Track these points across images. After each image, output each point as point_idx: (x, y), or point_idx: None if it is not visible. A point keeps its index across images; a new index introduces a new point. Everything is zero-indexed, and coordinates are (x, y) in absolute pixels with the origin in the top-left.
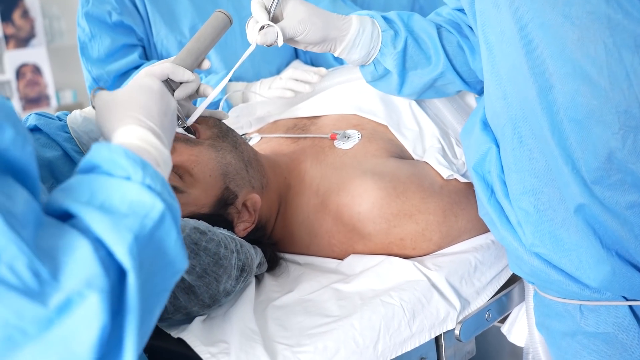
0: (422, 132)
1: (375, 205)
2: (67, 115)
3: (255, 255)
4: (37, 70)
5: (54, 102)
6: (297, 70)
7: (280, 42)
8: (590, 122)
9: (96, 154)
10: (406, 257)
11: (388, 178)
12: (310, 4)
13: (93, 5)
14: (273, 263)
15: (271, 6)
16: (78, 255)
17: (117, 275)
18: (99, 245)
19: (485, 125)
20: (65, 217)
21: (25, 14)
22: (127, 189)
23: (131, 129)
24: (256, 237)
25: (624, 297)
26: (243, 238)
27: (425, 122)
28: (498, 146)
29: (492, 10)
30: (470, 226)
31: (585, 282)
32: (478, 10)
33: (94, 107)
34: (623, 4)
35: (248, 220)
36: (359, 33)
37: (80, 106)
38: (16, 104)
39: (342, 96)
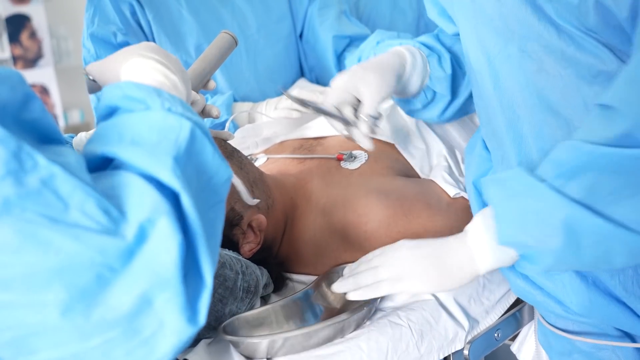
0: (429, 150)
1: (382, 224)
2: (73, 137)
3: (261, 276)
4: (44, 90)
5: (61, 122)
6: (303, 90)
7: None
8: None
9: (109, 96)
10: None
11: (394, 196)
12: (374, 68)
13: (98, 27)
14: (279, 283)
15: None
16: (133, 189)
17: (171, 198)
18: (147, 177)
19: (484, 143)
20: (104, 164)
21: (33, 34)
22: (151, 118)
23: (134, 61)
24: (262, 257)
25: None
26: (249, 259)
27: (432, 140)
28: None
29: (467, 42)
30: None
31: (569, 306)
32: (461, 38)
33: (91, 80)
34: (575, 38)
35: (254, 241)
36: (413, 64)
37: (87, 126)
38: None
39: None
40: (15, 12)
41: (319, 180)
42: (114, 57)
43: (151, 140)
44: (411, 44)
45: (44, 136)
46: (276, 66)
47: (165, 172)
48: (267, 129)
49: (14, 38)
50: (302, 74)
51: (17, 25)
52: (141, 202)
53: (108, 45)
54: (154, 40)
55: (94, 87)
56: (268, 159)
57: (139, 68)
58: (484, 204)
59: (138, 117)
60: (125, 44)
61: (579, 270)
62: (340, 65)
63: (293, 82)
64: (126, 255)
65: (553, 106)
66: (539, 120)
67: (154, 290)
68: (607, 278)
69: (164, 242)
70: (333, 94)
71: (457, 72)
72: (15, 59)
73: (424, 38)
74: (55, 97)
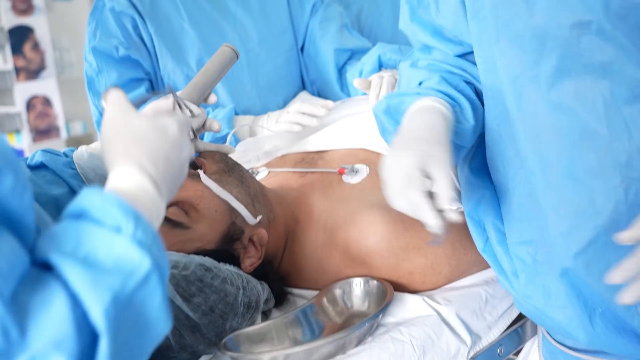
0: None
1: (384, 239)
2: (73, 151)
3: (262, 291)
4: (47, 101)
5: (63, 134)
6: (304, 103)
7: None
8: (588, 177)
9: (87, 199)
10: (415, 291)
11: (396, 211)
12: (434, 141)
13: (100, 40)
14: (280, 298)
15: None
16: (52, 312)
17: (90, 336)
18: (77, 302)
19: (477, 170)
20: (46, 266)
21: (36, 46)
22: (115, 242)
23: (130, 171)
24: (263, 272)
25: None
26: (250, 273)
27: None
28: (491, 191)
29: (488, 60)
30: (480, 259)
31: (576, 337)
32: (477, 57)
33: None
34: (622, 43)
35: (255, 255)
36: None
37: (89, 137)
38: (26, 135)
39: (350, 130)
40: (18, 24)
41: (321, 194)
42: (120, 143)
43: (104, 266)
44: (433, 94)
45: (3, 217)
46: (277, 79)
47: (96, 309)
48: (269, 143)
49: (16, 49)
50: (303, 86)
51: (20, 36)
52: (48, 331)
53: (110, 59)
54: (155, 54)
55: None
56: (269, 172)
57: (131, 183)
58: (485, 235)
59: (103, 235)
60: (127, 57)
61: (586, 302)
62: (341, 79)
63: (294, 94)
64: None
65: (589, 127)
66: (568, 144)
67: None
68: (622, 308)
69: None
70: (396, 185)
71: (477, 119)
72: (17, 70)
73: (434, 81)
74: (58, 108)
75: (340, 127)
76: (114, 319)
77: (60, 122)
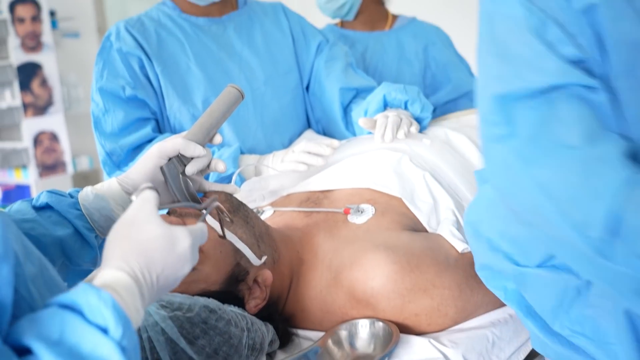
0: (436, 204)
1: (389, 280)
2: (78, 192)
3: (267, 332)
4: (54, 137)
5: (70, 169)
6: (310, 142)
7: None
8: None
9: (83, 296)
10: (421, 333)
11: (402, 252)
12: None
13: (107, 80)
14: (285, 339)
15: None
16: None
17: None
18: None
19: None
20: (25, 350)
21: (44, 82)
22: (101, 343)
23: (125, 279)
24: (268, 313)
25: None
26: (254, 315)
27: (439, 194)
28: None
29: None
30: (487, 300)
31: None
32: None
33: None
34: None
35: (259, 296)
36: None
37: (96, 172)
38: (33, 171)
39: (355, 169)
40: (27, 61)
41: (326, 234)
42: (126, 240)
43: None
44: None
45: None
46: (283, 118)
47: None
48: (274, 182)
49: (25, 86)
50: (308, 125)
51: (29, 73)
52: None
53: (117, 99)
54: (161, 94)
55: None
56: (274, 211)
57: (121, 285)
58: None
59: (90, 333)
60: (134, 97)
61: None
62: (346, 117)
63: (300, 133)
64: None
65: None
66: None
67: None
68: None
69: None
70: None
71: None
72: (25, 106)
73: None
74: (65, 143)
75: (345, 166)
76: None
77: (67, 158)
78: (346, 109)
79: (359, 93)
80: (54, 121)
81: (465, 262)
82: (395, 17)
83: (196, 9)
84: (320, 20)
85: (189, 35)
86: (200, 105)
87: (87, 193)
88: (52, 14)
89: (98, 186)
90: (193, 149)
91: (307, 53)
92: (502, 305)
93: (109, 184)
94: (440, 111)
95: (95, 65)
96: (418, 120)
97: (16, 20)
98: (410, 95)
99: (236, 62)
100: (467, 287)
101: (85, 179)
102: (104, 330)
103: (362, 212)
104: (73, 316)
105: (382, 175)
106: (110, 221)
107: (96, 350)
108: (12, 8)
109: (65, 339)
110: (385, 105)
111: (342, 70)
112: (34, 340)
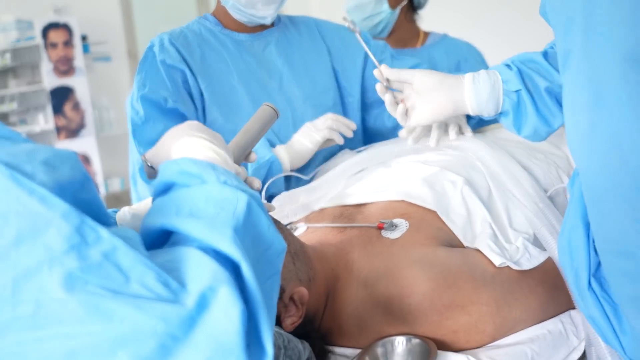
0: (471, 216)
1: (426, 297)
2: (116, 212)
3: (304, 350)
4: (86, 159)
5: (102, 190)
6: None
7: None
8: None
9: (166, 172)
10: (459, 350)
11: (438, 268)
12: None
13: (149, 90)
14: (322, 357)
15: None
16: (192, 261)
17: (231, 269)
18: (205, 248)
19: None
20: (163, 237)
21: (76, 106)
22: (208, 191)
23: (184, 141)
24: (304, 330)
25: None
26: (291, 332)
27: (475, 206)
28: None
29: None
30: (525, 316)
31: None
32: None
33: (149, 166)
34: None
35: (295, 314)
36: (474, 78)
37: (127, 194)
38: None
39: (388, 182)
40: (59, 84)
41: (360, 250)
42: (163, 140)
43: (209, 212)
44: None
45: (96, 217)
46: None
47: (225, 243)
48: (304, 196)
49: (57, 109)
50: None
51: (61, 97)
52: (201, 272)
53: (158, 110)
54: (203, 111)
55: (152, 173)
56: (308, 227)
57: (190, 146)
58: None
59: (195, 191)
60: (175, 110)
61: None
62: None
63: (337, 152)
64: (188, 323)
65: None
66: None
67: (217, 359)
68: None
69: (226, 311)
70: None
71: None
72: (58, 129)
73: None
74: (97, 165)
75: (378, 178)
76: (242, 247)
77: (99, 179)
78: None
79: None
80: (86, 144)
81: (503, 278)
82: (426, 34)
83: (238, 25)
84: None
85: (232, 52)
86: (243, 124)
87: (124, 213)
88: (84, 38)
89: (135, 206)
90: (230, 168)
91: (353, 68)
92: (541, 321)
93: (145, 204)
94: (472, 126)
95: (137, 74)
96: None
97: (49, 45)
98: None
99: (276, 80)
100: (505, 303)
101: (117, 200)
102: (203, 182)
103: (396, 227)
104: (174, 192)
105: (416, 187)
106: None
107: (209, 199)
108: (44, 33)
109: (182, 208)
110: None
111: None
112: (164, 221)
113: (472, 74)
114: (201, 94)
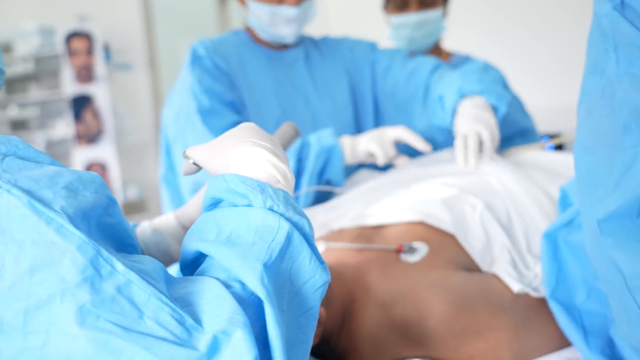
0: (489, 241)
1: (443, 321)
2: (136, 227)
3: None
4: (104, 167)
5: (119, 198)
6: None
7: None
8: None
9: (215, 187)
10: None
11: (456, 292)
12: None
13: (210, 84)
14: None
15: None
16: (211, 296)
17: (255, 306)
18: (232, 281)
19: None
20: (199, 259)
21: (96, 113)
22: (250, 217)
23: (245, 150)
24: (320, 351)
25: None
26: None
27: (494, 231)
28: None
29: None
30: (544, 344)
31: None
32: None
33: (191, 162)
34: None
35: None
36: None
37: (144, 201)
38: None
39: (408, 202)
40: (80, 92)
41: (378, 272)
42: (221, 141)
43: (247, 240)
44: None
45: (121, 241)
46: None
47: (252, 280)
48: (322, 215)
49: (77, 116)
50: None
51: (81, 104)
52: (218, 312)
53: (220, 102)
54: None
55: (192, 169)
56: (327, 248)
57: (250, 157)
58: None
59: (239, 214)
60: (232, 103)
61: None
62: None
63: (357, 168)
64: None
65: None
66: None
67: None
68: None
69: (239, 357)
70: None
71: None
72: (78, 136)
73: None
74: (115, 173)
75: (398, 198)
76: (270, 284)
77: (117, 186)
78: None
79: (436, 69)
80: (104, 151)
81: (522, 304)
82: (449, 54)
83: (267, 41)
84: None
85: (265, 64)
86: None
87: (144, 228)
88: (106, 47)
89: (156, 221)
90: (289, 181)
91: (362, 76)
92: (560, 348)
93: (166, 219)
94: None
95: (191, 73)
96: (494, 108)
97: (71, 53)
98: (486, 84)
99: (302, 96)
100: (522, 329)
101: (134, 207)
102: (249, 205)
103: (415, 250)
104: (220, 210)
105: (435, 208)
106: (167, 256)
107: (251, 225)
108: (67, 41)
109: (223, 231)
110: (462, 95)
111: (402, 63)
112: (200, 244)
113: None
114: (241, 98)
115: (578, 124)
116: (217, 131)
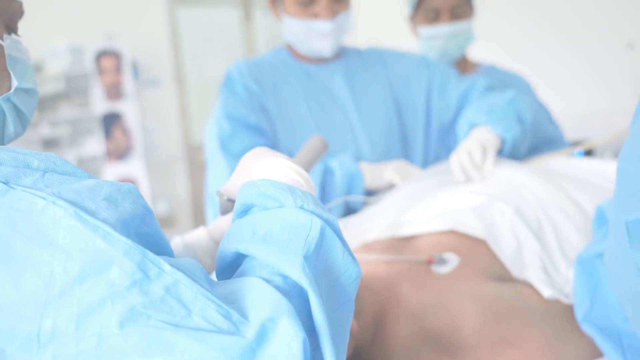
0: (520, 246)
1: (475, 331)
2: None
3: None
4: (134, 182)
5: None
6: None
7: None
8: None
9: (245, 193)
10: None
11: (488, 303)
12: None
13: (233, 108)
14: None
15: None
16: (255, 292)
17: (299, 297)
18: (274, 275)
19: None
20: (236, 260)
21: (125, 130)
22: (283, 216)
23: (267, 161)
24: None
25: None
26: None
27: (524, 236)
28: None
29: None
30: (578, 353)
31: None
32: None
33: (226, 200)
34: None
35: None
36: None
37: (173, 217)
38: None
39: (437, 212)
40: (110, 109)
41: (409, 284)
42: (241, 164)
43: (282, 237)
44: None
45: (158, 250)
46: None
47: (294, 271)
48: (354, 226)
49: (107, 133)
50: None
51: (111, 121)
52: (262, 303)
53: (243, 126)
54: (275, 129)
55: (228, 207)
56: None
57: (271, 166)
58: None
59: (272, 215)
60: (257, 127)
61: None
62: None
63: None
64: (248, 354)
65: None
66: None
67: None
68: None
69: (287, 341)
70: None
71: None
72: (108, 153)
73: None
74: (144, 188)
75: (427, 208)
76: (311, 274)
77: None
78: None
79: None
80: (134, 167)
81: (554, 313)
82: (474, 65)
83: (306, 56)
84: None
85: (301, 80)
86: None
87: (177, 243)
88: (134, 64)
89: (187, 236)
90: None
91: (416, 93)
92: (594, 357)
93: (198, 235)
94: (520, 156)
95: (221, 95)
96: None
97: (101, 71)
98: (493, 116)
99: (340, 109)
100: (556, 339)
101: (163, 223)
102: (280, 206)
103: (445, 261)
104: (252, 215)
105: (465, 216)
106: None
107: (285, 223)
108: (96, 59)
109: (258, 232)
110: (472, 125)
111: (456, 82)
112: (238, 246)
113: None
114: (272, 117)
115: (631, 134)
116: (235, 154)
